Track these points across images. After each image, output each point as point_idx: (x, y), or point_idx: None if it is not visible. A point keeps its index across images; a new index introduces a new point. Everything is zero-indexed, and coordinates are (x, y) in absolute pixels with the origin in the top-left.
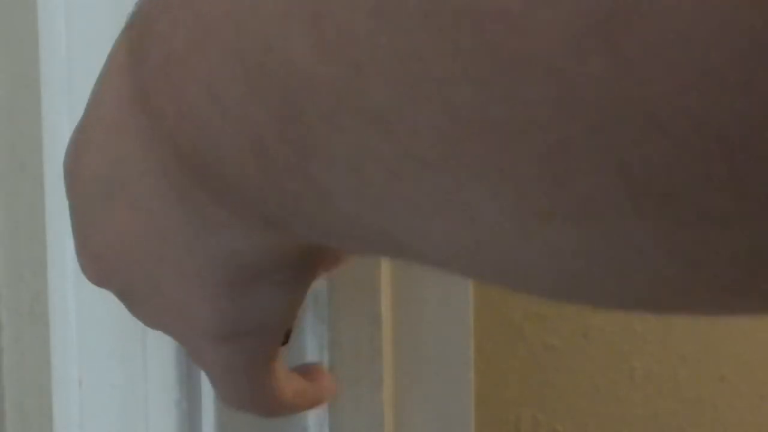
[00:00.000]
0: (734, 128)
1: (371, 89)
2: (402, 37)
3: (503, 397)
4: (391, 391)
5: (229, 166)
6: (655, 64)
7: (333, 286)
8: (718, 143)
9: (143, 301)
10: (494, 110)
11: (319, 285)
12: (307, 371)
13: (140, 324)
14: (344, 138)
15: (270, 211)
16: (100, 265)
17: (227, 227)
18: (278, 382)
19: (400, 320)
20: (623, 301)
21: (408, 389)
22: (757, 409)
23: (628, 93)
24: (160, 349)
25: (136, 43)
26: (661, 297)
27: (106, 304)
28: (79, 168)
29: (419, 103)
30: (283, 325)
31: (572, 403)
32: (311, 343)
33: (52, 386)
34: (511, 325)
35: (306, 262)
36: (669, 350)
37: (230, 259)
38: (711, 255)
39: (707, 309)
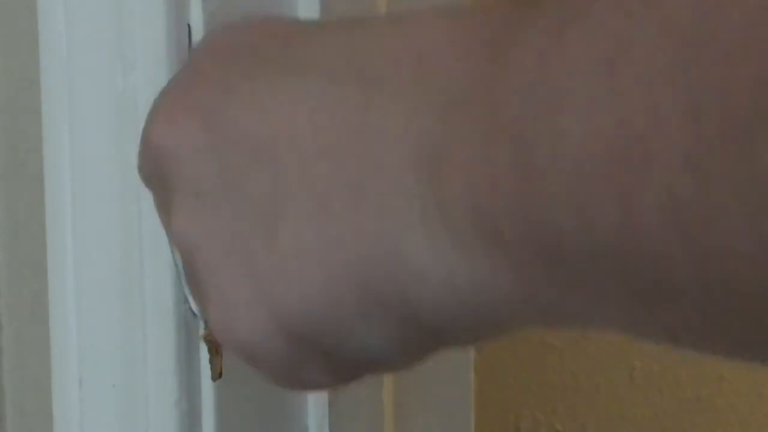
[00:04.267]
0: None
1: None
2: None
3: (503, 397)
4: (391, 391)
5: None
6: None
7: None
8: None
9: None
10: None
11: None
12: None
13: (140, 324)
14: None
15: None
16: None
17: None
18: None
19: None
20: None
21: (408, 389)
22: (757, 409)
23: None
24: (160, 349)
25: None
26: None
27: (106, 304)
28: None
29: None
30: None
31: (572, 403)
32: None
33: (52, 386)
34: None
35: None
36: (669, 350)
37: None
38: None
39: None
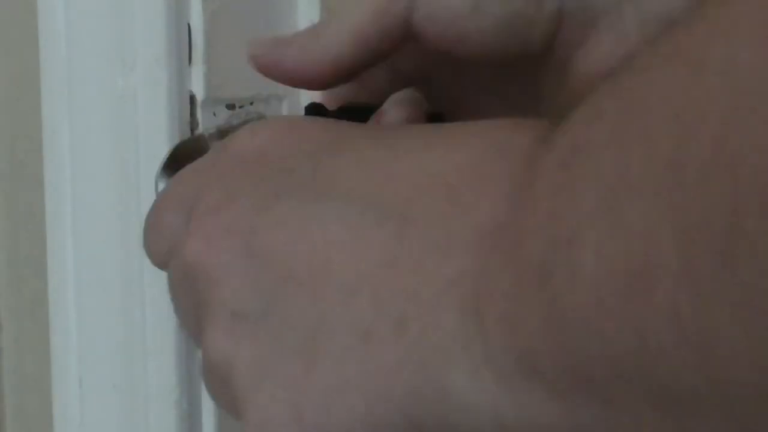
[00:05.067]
0: None
1: None
2: None
3: None
4: None
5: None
6: None
7: None
8: None
9: None
10: None
11: None
12: None
13: (140, 324)
14: None
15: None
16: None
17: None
18: None
19: None
20: None
21: None
22: None
23: None
24: (160, 349)
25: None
26: None
27: (106, 304)
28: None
29: None
30: None
31: None
32: None
33: (52, 386)
34: None
35: None
36: None
37: None
38: None
39: None
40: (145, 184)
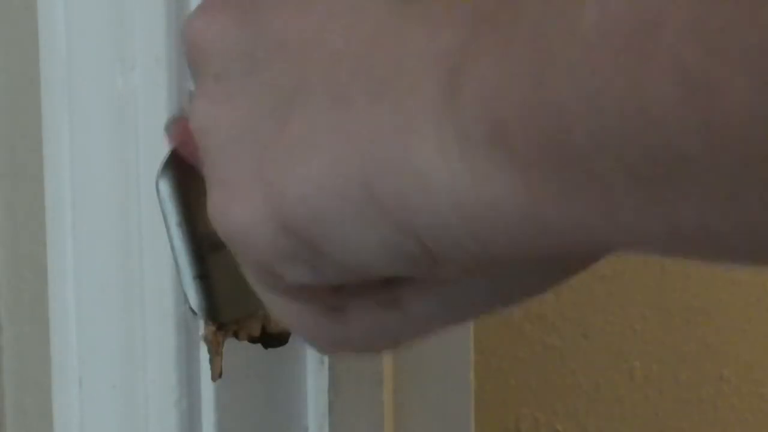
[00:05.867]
0: None
1: None
2: None
3: (503, 397)
4: (391, 391)
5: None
6: None
7: None
8: None
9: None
10: None
11: None
12: None
13: (140, 324)
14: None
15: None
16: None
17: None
18: None
19: None
20: None
21: (408, 389)
22: (757, 409)
23: None
24: (160, 349)
25: None
26: None
27: (106, 304)
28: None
29: None
30: None
31: (572, 403)
32: None
33: (52, 386)
34: (511, 325)
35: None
36: (669, 350)
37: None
38: None
39: None
40: (145, 184)
